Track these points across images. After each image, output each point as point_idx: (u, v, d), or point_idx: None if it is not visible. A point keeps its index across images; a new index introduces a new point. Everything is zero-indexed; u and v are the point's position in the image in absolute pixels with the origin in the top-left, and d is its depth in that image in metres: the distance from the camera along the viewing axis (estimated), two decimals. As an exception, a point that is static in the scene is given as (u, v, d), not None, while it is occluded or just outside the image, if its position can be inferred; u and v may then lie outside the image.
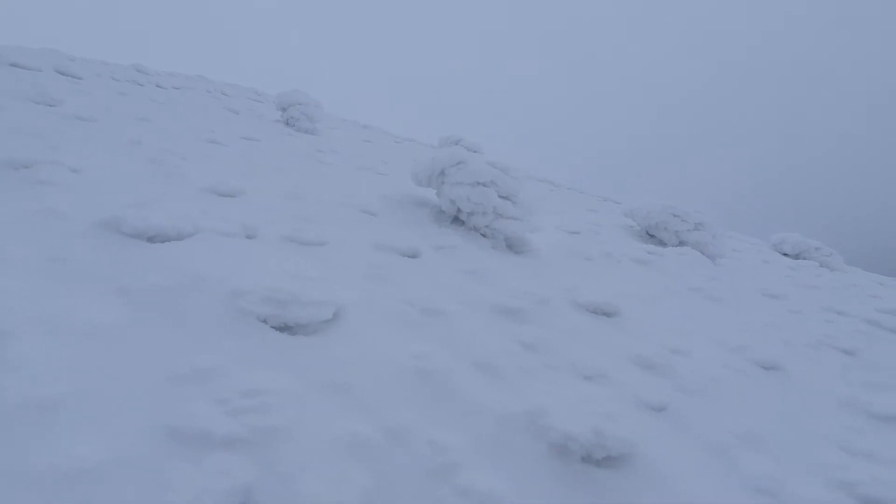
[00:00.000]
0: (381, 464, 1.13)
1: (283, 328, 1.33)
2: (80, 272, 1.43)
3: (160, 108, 2.58)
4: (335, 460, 1.10)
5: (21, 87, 2.87)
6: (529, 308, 1.38)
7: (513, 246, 1.77)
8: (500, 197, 1.73)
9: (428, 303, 1.30)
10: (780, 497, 1.31)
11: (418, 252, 1.50)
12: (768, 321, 2.14)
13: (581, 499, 1.19)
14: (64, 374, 1.10)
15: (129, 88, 3.88)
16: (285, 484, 1.03)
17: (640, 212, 2.82)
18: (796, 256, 4.29)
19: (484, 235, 1.79)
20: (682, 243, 2.66)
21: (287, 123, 3.17)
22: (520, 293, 1.42)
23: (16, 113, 2.28)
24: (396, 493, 1.08)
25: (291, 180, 1.89)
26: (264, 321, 1.35)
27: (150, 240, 1.56)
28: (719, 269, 2.61)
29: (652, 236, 2.80)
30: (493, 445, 1.25)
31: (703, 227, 2.62)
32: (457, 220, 1.85)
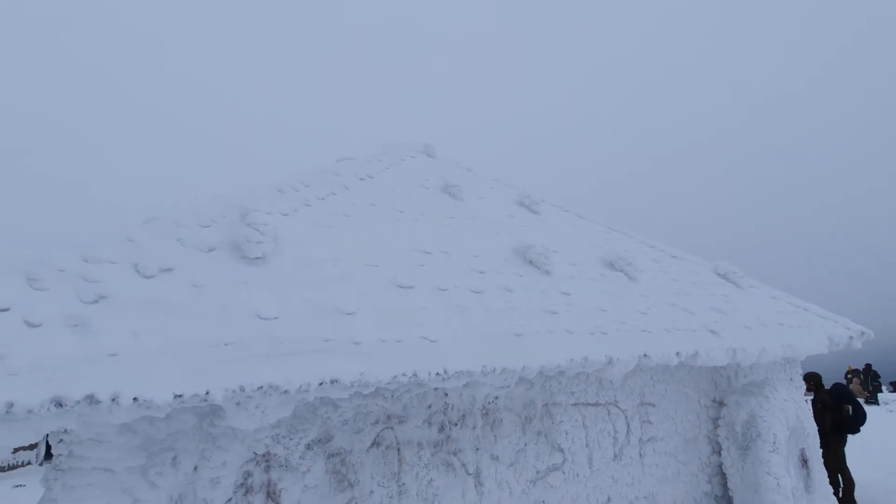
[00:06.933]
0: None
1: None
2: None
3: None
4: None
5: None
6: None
7: (547, 272, 4.88)
8: (542, 255, 4.84)
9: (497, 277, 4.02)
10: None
11: (522, 272, 4.55)
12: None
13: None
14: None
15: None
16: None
17: (603, 249, 5.74)
18: (723, 276, 6.97)
19: (537, 268, 4.94)
20: (619, 270, 5.49)
21: (450, 195, 6.12)
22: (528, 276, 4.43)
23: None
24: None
25: (470, 245, 4.95)
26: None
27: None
28: (619, 282, 5.50)
29: (611, 265, 5.67)
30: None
31: (630, 262, 5.47)
32: (530, 263, 5.00)
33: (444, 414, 3.70)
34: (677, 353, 4.22)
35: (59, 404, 1.86)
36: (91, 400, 1.92)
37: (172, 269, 2.78)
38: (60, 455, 2.34)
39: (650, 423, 5.03)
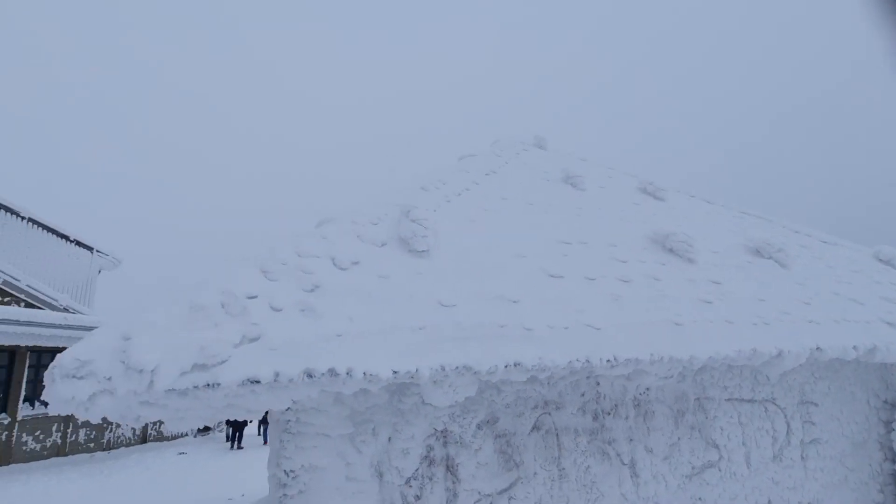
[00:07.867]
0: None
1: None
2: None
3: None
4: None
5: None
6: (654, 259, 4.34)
7: (690, 260, 4.68)
8: (684, 243, 4.65)
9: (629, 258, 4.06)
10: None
11: (665, 261, 4.43)
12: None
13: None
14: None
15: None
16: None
17: (744, 235, 5.35)
18: (888, 262, 6.12)
19: (679, 257, 4.75)
20: (768, 257, 5.05)
21: (572, 185, 6.14)
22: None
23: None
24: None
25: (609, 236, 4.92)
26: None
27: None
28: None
29: (757, 252, 5.25)
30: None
31: (780, 248, 5.02)
32: (671, 251, 4.82)
33: (596, 403, 3.73)
34: (854, 347, 3.86)
35: (310, 375, 2.20)
36: (332, 373, 2.24)
37: (359, 263, 3.12)
38: (289, 421, 2.75)
39: (812, 423, 4.64)
